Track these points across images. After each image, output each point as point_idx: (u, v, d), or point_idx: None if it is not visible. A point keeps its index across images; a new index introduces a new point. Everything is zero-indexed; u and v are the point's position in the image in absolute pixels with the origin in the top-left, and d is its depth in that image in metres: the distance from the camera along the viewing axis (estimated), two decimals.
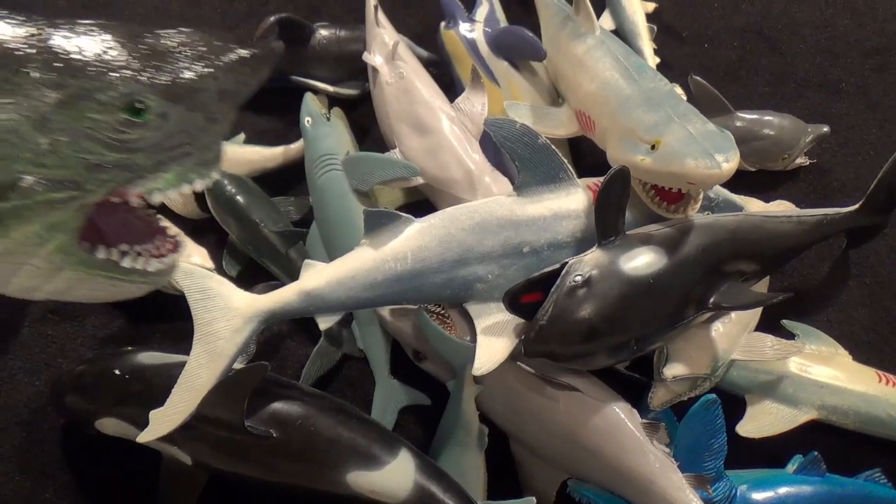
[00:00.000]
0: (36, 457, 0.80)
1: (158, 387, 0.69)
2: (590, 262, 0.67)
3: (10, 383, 0.84)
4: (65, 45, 0.46)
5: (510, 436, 0.77)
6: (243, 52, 0.50)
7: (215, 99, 0.50)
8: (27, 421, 0.81)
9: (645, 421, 0.71)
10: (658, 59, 1.04)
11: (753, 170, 0.96)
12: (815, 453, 0.73)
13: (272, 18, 0.97)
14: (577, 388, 0.71)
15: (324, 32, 1.03)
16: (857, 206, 0.83)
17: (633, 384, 0.80)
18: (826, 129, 0.96)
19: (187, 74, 0.48)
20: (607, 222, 0.69)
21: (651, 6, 1.09)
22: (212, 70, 0.49)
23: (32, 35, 0.45)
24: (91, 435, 0.76)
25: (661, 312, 0.68)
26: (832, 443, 0.79)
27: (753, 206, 0.86)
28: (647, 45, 1.05)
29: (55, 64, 0.45)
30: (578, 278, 0.66)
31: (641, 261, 0.68)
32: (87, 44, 0.46)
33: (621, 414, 0.71)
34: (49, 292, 0.52)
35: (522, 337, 0.68)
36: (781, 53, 1.13)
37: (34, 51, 0.45)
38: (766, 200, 0.90)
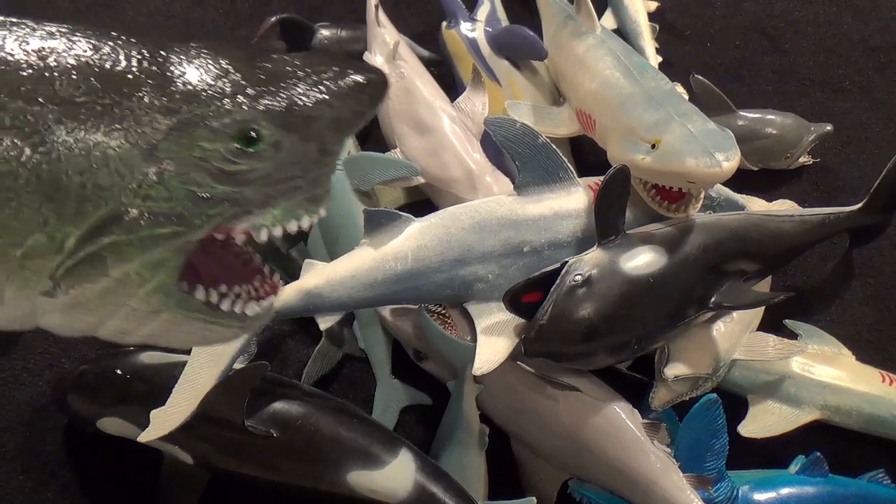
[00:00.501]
0: (38, 456, 0.80)
1: (160, 387, 0.69)
2: (590, 261, 0.67)
3: (14, 383, 0.84)
4: (177, 68, 0.43)
5: (511, 436, 0.77)
6: (360, 78, 0.46)
7: (330, 129, 0.45)
8: (30, 420, 0.82)
9: (646, 421, 0.71)
10: (660, 59, 1.04)
11: (756, 169, 0.96)
12: (818, 454, 0.73)
13: (273, 19, 0.97)
14: (577, 388, 0.71)
15: (325, 33, 1.03)
16: (859, 205, 0.83)
17: (635, 384, 0.80)
18: (829, 127, 0.96)
19: (303, 101, 0.44)
20: (607, 222, 0.69)
21: (653, 5, 1.09)
22: (327, 97, 0.44)
23: (144, 57, 0.43)
24: (93, 434, 0.76)
25: (661, 312, 0.68)
26: (835, 443, 0.78)
27: (756, 205, 0.86)
28: (649, 45, 1.04)
29: (168, 88, 0.42)
30: (578, 278, 0.66)
31: (642, 260, 0.68)
32: (200, 67, 0.43)
33: (622, 414, 0.70)
34: (143, 336, 0.48)
35: (522, 336, 0.68)
36: (784, 52, 1.12)
37: (145, 74, 0.42)
38: (770, 199, 0.90)
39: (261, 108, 0.43)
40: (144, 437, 0.68)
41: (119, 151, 0.41)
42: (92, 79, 0.41)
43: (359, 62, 0.48)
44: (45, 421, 0.81)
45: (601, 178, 0.70)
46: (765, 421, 0.77)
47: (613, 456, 0.69)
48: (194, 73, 0.43)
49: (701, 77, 0.96)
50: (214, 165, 0.43)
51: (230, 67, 0.44)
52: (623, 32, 1.04)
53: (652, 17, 1.08)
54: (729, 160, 0.66)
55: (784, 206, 0.88)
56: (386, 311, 0.81)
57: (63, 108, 0.41)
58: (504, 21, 1.02)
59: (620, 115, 0.76)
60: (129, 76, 0.42)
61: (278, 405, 0.70)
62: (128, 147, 0.41)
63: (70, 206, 0.41)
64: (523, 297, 0.68)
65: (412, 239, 0.72)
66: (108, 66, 0.42)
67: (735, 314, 0.78)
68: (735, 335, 0.77)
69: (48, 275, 0.42)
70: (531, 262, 0.72)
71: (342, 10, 1.14)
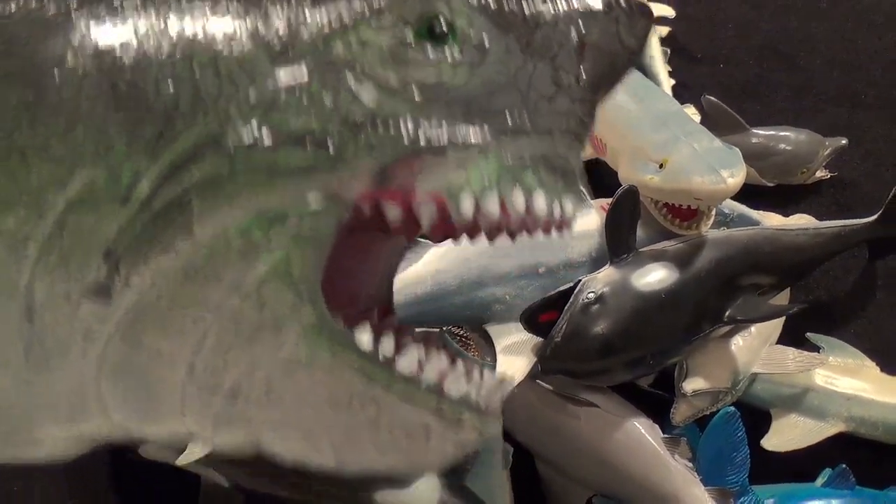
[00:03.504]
0: (86, 481, 0.84)
1: None
2: (602, 279, 0.69)
3: None
4: None
5: (534, 454, 0.79)
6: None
7: (569, 53, 0.29)
8: None
9: (666, 436, 0.71)
10: (673, 81, 1.06)
11: (772, 185, 0.97)
12: (844, 466, 0.72)
13: None
14: (595, 404, 0.72)
15: None
16: (875, 216, 0.83)
17: (657, 400, 0.80)
18: (844, 141, 0.96)
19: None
20: (618, 241, 0.71)
21: (665, 30, 1.12)
22: (564, 4, 0.29)
23: None
24: (137, 460, 0.80)
25: (675, 326, 0.70)
26: (864, 455, 0.78)
27: (772, 220, 0.87)
28: (661, 69, 1.07)
29: None
30: (591, 295, 0.68)
31: (654, 276, 0.69)
32: None
33: (642, 429, 0.71)
34: (288, 445, 0.29)
35: (539, 354, 0.70)
36: (799, 69, 1.13)
37: None
38: (789, 215, 0.90)
39: None
40: (182, 460, 0.72)
41: (236, 52, 0.27)
42: None
43: None
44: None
45: (611, 198, 0.72)
46: (789, 434, 0.77)
47: (635, 471, 0.70)
48: None
49: (712, 98, 0.98)
50: (380, 70, 0.27)
51: None
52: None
53: (663, 41, 1.10)
54: (734, 176, 0.67)
55: (801, 221, 0.89)
56: None
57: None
58: None
59: (629, 137, 0.78)
60: None
61: None
62: (249, 47, 0.27)
63: (150, 125, 0.25)
64: (540, 317, 0.70)
65: (431, 264, 0.75)
66: None
67: (753, 328, 0.78)
68: (754, 349, 0.77)
69: (103, 245, 0.25)
70: (547, 282, 0.74)
71: None
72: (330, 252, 0.27)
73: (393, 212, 0.28)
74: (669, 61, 1.09)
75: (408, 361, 0.28)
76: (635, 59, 0.32)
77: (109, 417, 0.28)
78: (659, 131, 0.76)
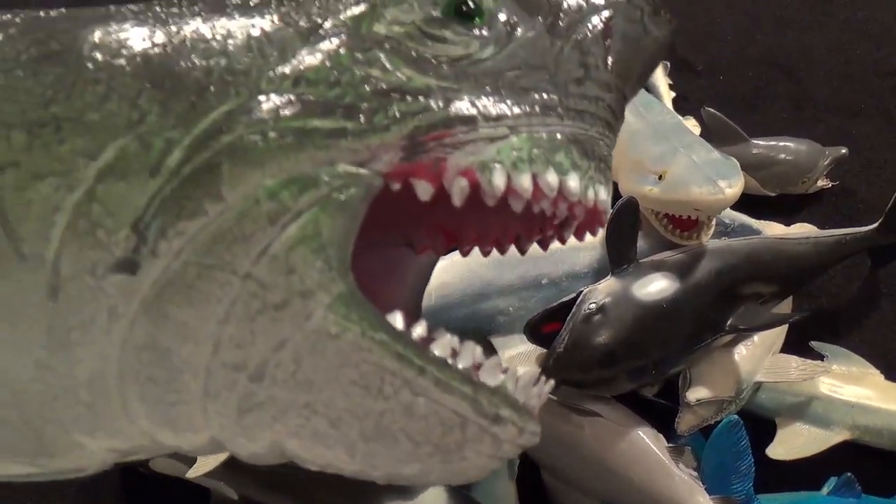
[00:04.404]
0: (97, 497, 0.85)
1: None
2: (604, 289, 0.70)
3: None
4: None
5: (540, 464, 0.79)
6: None
7: (596, 37, 0.30)
8: None
9: (670, 446, 0.72)
10: (674, 94, 1.07)
11: (774, 195, 0.98)
12: (849, 474, 0.72)
13: None
14: (600, 414, 0.73)
15: None
16: (876, 224, 0.83)
17: (663, 410, 0.81)
18: (844, 150, 0.97)
19: None
20: (619, 252, 0.72)
21: None
22: None
23: None
24: (147, 474, 0.81)
25: (677, 336, 0.70)
26: (871, 463, 0.78)
27: (773, 229, 0.88)
28: (662, 82, 1.08)
29: None
30: (593, 306, 0.68)
31: (655, 286, 0.70)
32: None
33: (646, 439, 0.72)
34: (309, 449, 0.28)
35: (542, 365, 0.71)
36: (798, 80, 1.14)
37: None
38: (790, 224, 0.91)
39: None
40: (191, 474, 0.73)
41: (268, 29, 0.28)
42: None
43: None
44: None
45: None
46: (793, 443, 0.77)
47: (639, 481, 0.70)
48: None
49: (711, 109, 0.99)
50: (409, 45, 0.28)
51: None
52: None
53: None
54: (732, 187, 0.68)
55: (802, 230, 0.89)
56: None
57: None
58: None
59: (629, 151, 0.79)
60: None
61: None
62: (281, 25, 0.28)
63: (183, 97, 0.26)
64: (543, 328, 0.71)
65: (435, 277, 0.75)
66: None
67: (756, 337, 0.79)
68: (757, 358, 0.78)
69: (132, 215, 0.25)
70: (550, 293, 0.75)
71: None
72: (361, 225, 0.26)
73: (423, 188, 0.27)
74: (669, 74, 1.10)
75: (441, 346, 0.28)
76: (662, 52, 0.33)
77: (128, 413, 0.28)
78: (657, 144, 0.77)
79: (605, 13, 0.31)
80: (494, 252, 0.66)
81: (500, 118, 0.27)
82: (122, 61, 0.26)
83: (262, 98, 0.26)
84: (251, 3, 0.29)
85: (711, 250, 0.75)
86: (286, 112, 0.26)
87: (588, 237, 0.75)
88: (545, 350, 0.72)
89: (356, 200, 0.26)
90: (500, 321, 0.75)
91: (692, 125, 0.97)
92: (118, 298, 0.26)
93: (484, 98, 0.28)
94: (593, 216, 0.32)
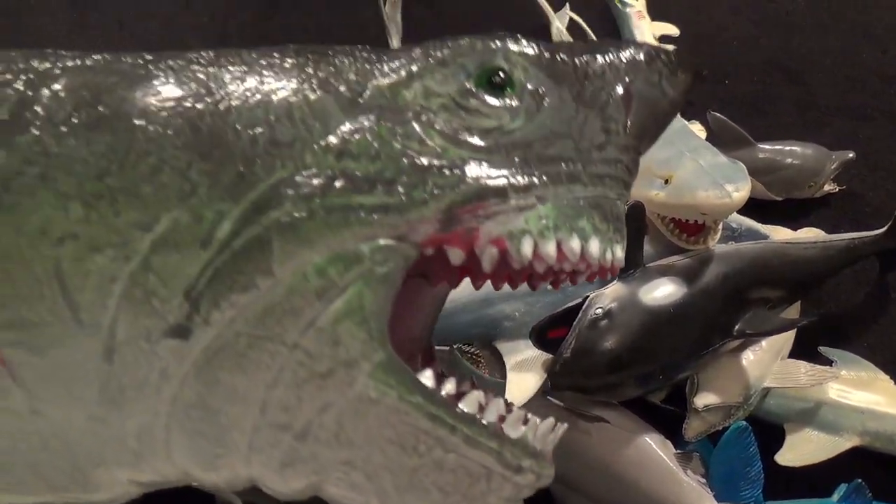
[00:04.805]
0: None
1: None
2: (610, 294, 0.69)
3: None
4: None
5: None
6: (659, 52, 0.34)
7: (617, 102, 0.32)
8: None
9: (678, 452, 0.71)
10: None
11: (780, 199, 0.97)
12: (859, 481, 0.72)
13: None
14: (607, 420, 0.72)
15: None
16: (884, 229, 0.83)
17: (671, 416, 0.80)
18: (851, 154, 0.97)
19: (573, 52, 0.31)
20: (625, 256, 0.71)
21: (668, 48, 1.13)
22: (610, 57, 0.32)
23: None
24: None
25: (684, 341, 0.70)
26: (881, 469, 0.77)
27: (780, 234, 0.87)
28: None
29: None
30: (599, 311, 0.68)
31: (661, 291, 0.70)
32: None
33: (654, 445, 0.71)
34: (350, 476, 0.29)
35: (548, 371, 0.70)
36: (804, 84, 1.14)
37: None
38: (797, 228, 0.91)
39: (512, 45, 0.30)
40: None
41: (309, 100, 0.29)
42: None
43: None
44: None
45: None
46: (803, 449, 0.76)
47: (647, 487, 0.70)
48: None
49: (717, 114, 0.99)
50: (444, 116, 0.29)
51: None
52: None
53: None
54: (739, 190, 0.68)
55: (810, 235, 0.89)
56: None
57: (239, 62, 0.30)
58: None
59: None
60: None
61: None
62: (321, 95, 0.29)
63: (230, 169, 0.27)
64: (549, 333, 0.71)
65: None
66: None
67: (764, 342, 0.78)
68: (765, 363, 0.77)
69: (185, 285, 0.26)
70: (556, 299, 0.74)
71: None
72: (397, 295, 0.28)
73: (455, 254, 0.29)
74: None
75: (469, 402, 0.29)
76: (676, 111, 0.35)
77: (172, 459, 0.29)
78: (663, 148, 0.76)
79: (626, 78, 0.32)
80: None
81: (528, 188, 0.29)
82: (171, 132, 0.27)
83: (307, 172, 0.27)
84: (286, 64, 0.29)
85: (718, 255, 0.74)
86: (331, 188, 0.27)
87: None
88: (551, 355, 0.71)
89: (395, 272, 0.28)
90: (505, 326, 0.75)
91: (698, 130, 0.97)
92: (170, 361, 0.27)
93: (514, 169, 0.29)
94: (611, 269, 0.34)
